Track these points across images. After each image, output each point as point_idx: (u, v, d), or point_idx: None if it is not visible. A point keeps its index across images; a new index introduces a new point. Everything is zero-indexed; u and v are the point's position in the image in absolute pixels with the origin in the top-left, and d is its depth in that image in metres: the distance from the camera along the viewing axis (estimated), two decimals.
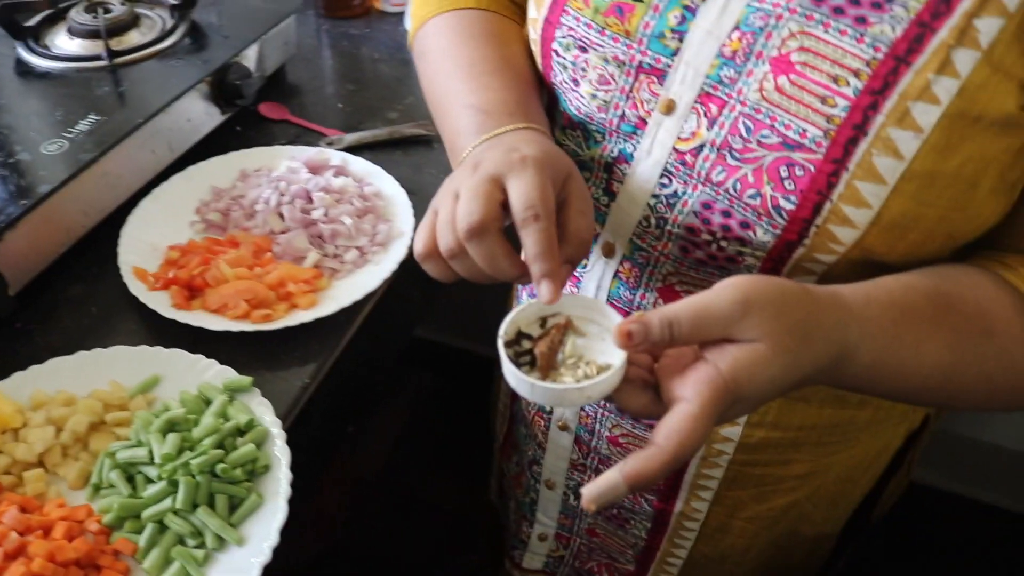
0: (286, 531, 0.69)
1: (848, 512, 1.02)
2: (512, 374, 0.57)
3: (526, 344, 0.60)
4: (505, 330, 0.60)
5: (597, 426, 0.91)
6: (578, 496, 1.01)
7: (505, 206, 0.60)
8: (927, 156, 0.57)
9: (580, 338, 0.61)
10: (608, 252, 0.78)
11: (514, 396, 1.09)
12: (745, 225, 0.65)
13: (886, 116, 0.57)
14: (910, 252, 0.63)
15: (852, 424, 0.84)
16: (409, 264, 0.97)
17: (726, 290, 0.54)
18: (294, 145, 1.11)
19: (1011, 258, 0.64)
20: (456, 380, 2.03)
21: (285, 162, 1.04)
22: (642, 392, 0.57)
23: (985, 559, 1.80)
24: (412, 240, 0.97)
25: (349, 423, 0.99)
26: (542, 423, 0.99)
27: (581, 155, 0.76)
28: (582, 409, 0.92)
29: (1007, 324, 0.62)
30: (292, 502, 0.71)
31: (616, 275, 0.79)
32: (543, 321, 0.62)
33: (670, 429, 0.52)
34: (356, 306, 0.89)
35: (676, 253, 0.72)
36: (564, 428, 0.95)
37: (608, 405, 0.89)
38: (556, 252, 0.58)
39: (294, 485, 0.72)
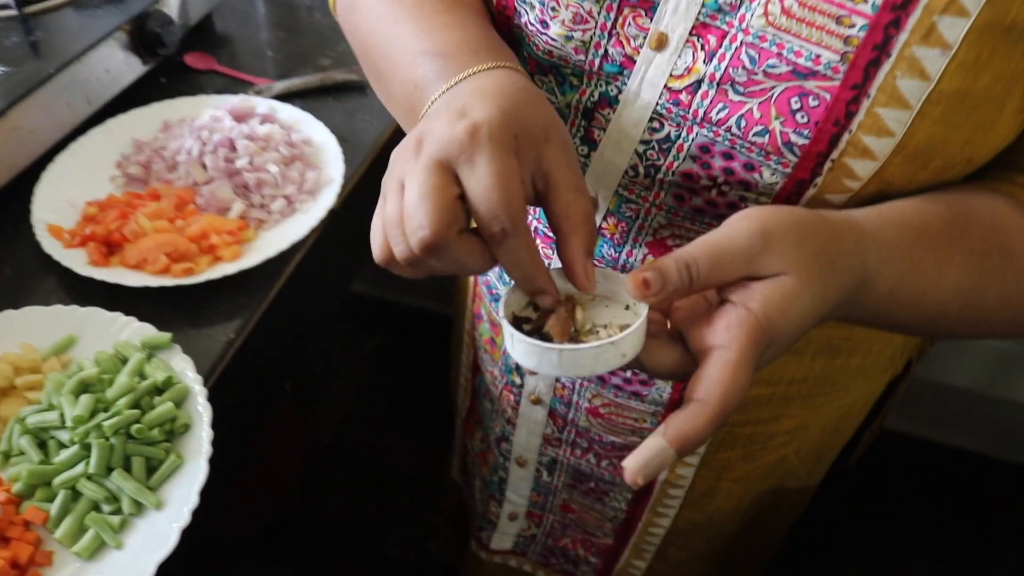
0: (237, 497, 0.65)
1: (831, 463, 1.00)
2: (531, 347, 0.51)
3: (527, 328, 0.54)
4: (503, 313, 0.54)
5: (575, 397, 0.86)
6: (552, 472, 0.98)
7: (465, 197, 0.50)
8: (955, 75, 0.52)
9: (585, 310, 0.56)
10: None
11: (476, 369, 1.04)
12: (750, 167, 0.60)
13: (910, 33, 0.51)
14: (929, 181, 0.58)
15: (843, 373, 0.81)
16: (342, 213, 0.93)
17: (740, 223, 0.50)
18: (220, 95, 1.06)
19: (1021, 177, 0.60)
20: (412, 339, 2.00)
21: (208, 111, 0.98)
22: (671, 346, 0.53)
23: (954, 502, 1.81)
24: (341, 190, 0.92)
25: (286, 381, 0.95)
26: (511, 397, 0.93)
27: (554, 102, 0.67)
28: (558, 380, 0.87)
29: None
30: (236, 464, 0.68)
31: (599, 232, 0.72)
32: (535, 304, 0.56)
33: (711, 380, 0.48)
34: (283, 257, 0.85)
35: (670, 203, 0.66)
36: (537, 402, 0.90)
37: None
38: (540, 266, 0.51)
39: (229, 444, 0.69)
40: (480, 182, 0.48)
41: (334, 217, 0.91)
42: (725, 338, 0.49)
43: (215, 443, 0.68)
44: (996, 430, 1.79)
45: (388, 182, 0.52)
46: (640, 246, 0.70)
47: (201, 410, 0.70)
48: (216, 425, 0.69)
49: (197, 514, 0.64)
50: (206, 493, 0.66)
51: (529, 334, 0.52)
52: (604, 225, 0.71)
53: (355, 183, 0.97)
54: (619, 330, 0.52)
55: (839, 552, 1.74)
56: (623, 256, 0.72)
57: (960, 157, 0.57)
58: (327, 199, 0.90)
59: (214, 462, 0.67)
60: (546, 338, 0.52)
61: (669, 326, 0.54)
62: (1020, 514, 1.80)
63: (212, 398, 0.72)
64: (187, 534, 0.64)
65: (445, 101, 0.54)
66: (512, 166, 0.49)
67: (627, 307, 0.56)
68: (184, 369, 0.73)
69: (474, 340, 1.00)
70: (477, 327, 0.97)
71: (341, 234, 0.93)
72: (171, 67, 1.14)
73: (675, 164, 0.63)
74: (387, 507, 1.81)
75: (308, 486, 1.80)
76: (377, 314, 2.07)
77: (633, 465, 0.48)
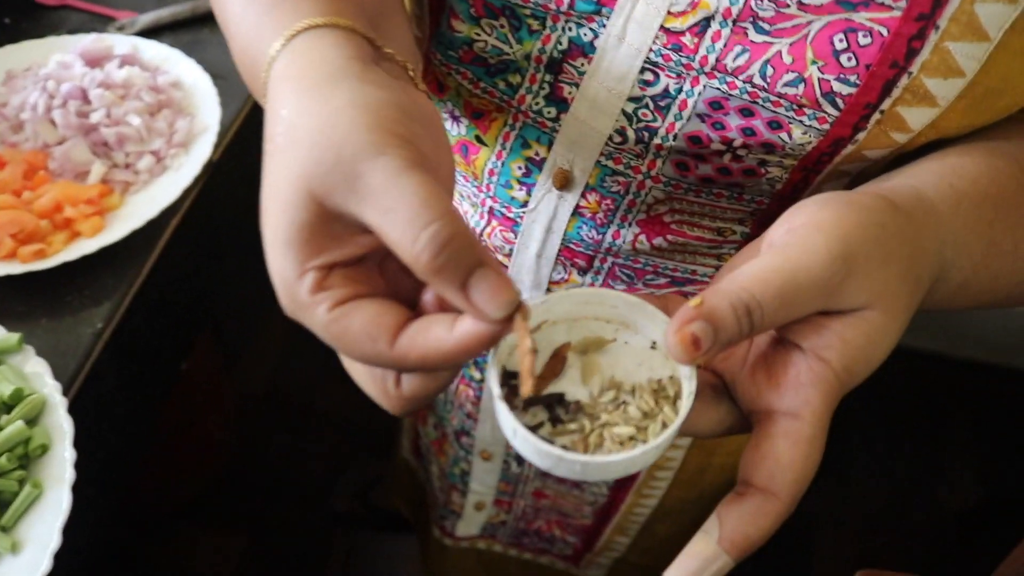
0: (166, 466, 0.56)
1: None
2: (548, 455, 0.39)
3: (521, 401, 0.42)
4: (497, 380, 0.41)
5: None
6: (522, 462, 0.88)
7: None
8: None
9: (596, 353, 0.44)
10: (562, 183, 0.58)
11: None
12: (776, 125, 0.48)
13: None
14: (983, 123, 0.48)
15: None
16: (224, 164, 0.81)
17: (814, 241, 0.38)
18: (75, 35, 0.91)
19: None
20: None
21: (55, 56, 0.84)
22: (715, 402, 0.42)
23: (906, 402, 1.78)
24: (219, 138, 0.80)
25: (182, 360, 0.84)
26: (470, 392, 0.83)
27: (507, 53, 0.53)
28: None
29: None
30: (143, 444, 0.57)
31: (576, 211, 0.60)
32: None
33: (779, 465, 0.37)
34: (156, 225, 0.73)
35: (669, 173, 0.54)
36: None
37: None
38: (504, 277, 0.35)
39: (120, 450, 0.58)
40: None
41: (214, 171, 0.79)
42: (795, 402, 0.38)
43: (105, 441, 0.58)
44: (947, 328, 1.76)
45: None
46: (630, 225, 0.59)
47: (63, 426, 0.58)
48: (99, 422, 0.59)
49: (123, 489, 0.55)
50: (126, 471, 0.56)
51: (535, 428, 0.41)
52: (583, 203, 0.59)
53: (236, 128, 0.84)
54: (651, 394, 0.41)
55: None
56: (608, 238, 0.60)
57: None
58: (202, 151, 0.77)
59: (114, 454, 0.57)
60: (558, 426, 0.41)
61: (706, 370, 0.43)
62: (973, 410, 1.79)
63: (84, 398, 0.61)
64: (116, 507, 0.54)
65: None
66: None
67: (653, 345, 0.44)
68: (40, 375, 0.61)
69: None
70: None
71: (227, 184, 0.81)
72: (17, 4, 0.99)
73: (676, 126, 0.51)
74: (329, 457, 1.72)
75: (244, 442, 1.71)
76: None
77: None
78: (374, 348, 0.36)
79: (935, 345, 1.78)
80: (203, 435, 1.58)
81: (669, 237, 0.59)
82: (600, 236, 0.60)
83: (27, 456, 0.57)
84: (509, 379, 0.42)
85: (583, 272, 0.64)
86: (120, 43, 0.88)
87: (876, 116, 0.46)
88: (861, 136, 0.47)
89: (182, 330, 0.83)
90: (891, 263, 0.39)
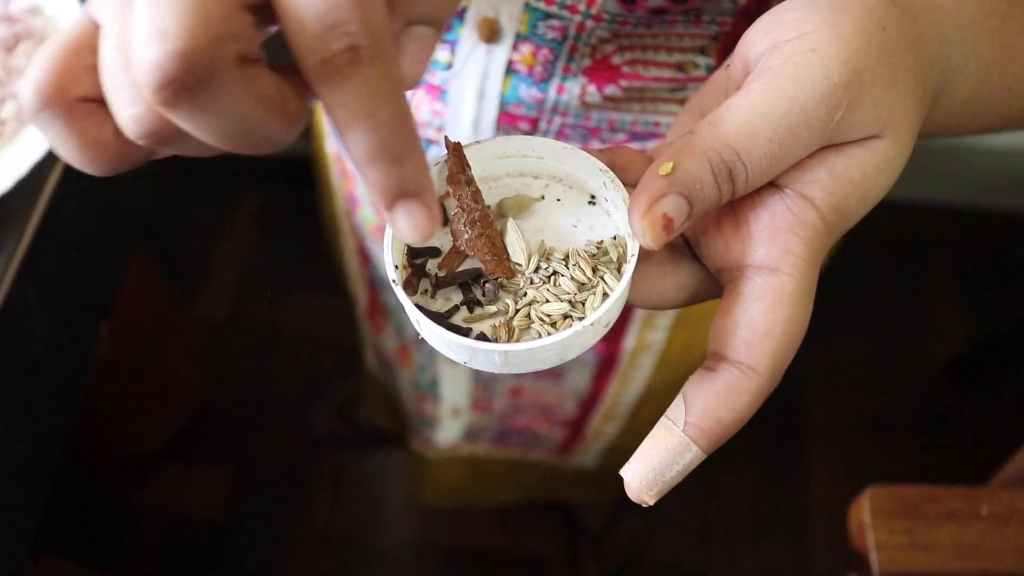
0: (134, 413, 0.50)
1: None
2: (460, 347, 0.32)
3: (433, 268, 0.35)
4: (392, 260, 0.33)
5: None
6: None
7: (258, 8, 0.26)
8: None
9: (519, 217, 0.36)
10: (488, 34, 0.50)
11: (365, 256, 0.84)
12: None
13: None
14: None
15: None
16: None
17: (810, 65, 0.30)
18: None
19: None
20: (298, 187, 1.75)
21: None
22: (674, 265, 0.35)
23: (885, 247, 1.73)
24: None
25: (98, 324, 0.76)
26: None
27: None
28: None
29: None
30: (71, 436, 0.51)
31: (509, 68, 0.52)
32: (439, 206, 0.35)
33: (754, 330, 0.30)
34: (32, 180, 0.63)
35: (613, 9, 0.46)
36: None
37: None
38: (413, 135, 0.27)
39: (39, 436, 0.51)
40: None
41: None
42: (771, 253, 0.31)
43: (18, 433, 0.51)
44: (923, 171, 1.68)
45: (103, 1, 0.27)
46: (575, 76, 0.51)
47: None
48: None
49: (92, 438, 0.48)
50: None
51: (448, 314, 0.34)
52: (516, 56, 0.51)
53: None
54: (588, 260, 0.34)
55: None
56: (551, 94, 0.52)
57: None
58: None
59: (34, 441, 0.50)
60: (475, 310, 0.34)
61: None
62: (954, 255, 1.75)
63: None
64: (90, 454, 0.48)
65: None
66: None
67: (592, 199, 0.36)
68: None
69: (355, 227, 0.80)
70: (356, 212, 0.77)
71: None
72: None
73: None
74: (301, 376, 1.68)
75: (213, 374, 1.65)
76: (257, 166, 1.80)
77: (638, 480, 0.31)
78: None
79: (909, 192, 1.70)
80: (167, 372, 1.53)
81: (622, 83, 0.51)
82: (542, 93, 0.53)
83: None
84: (415, 256, 0.35)
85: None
86: None
87: None
88: None
89: (93, 294, 0.74)
90: (899, 78, 0.31)
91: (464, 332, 0.33)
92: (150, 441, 1.55)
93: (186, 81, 0.23)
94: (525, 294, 0.34)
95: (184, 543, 1.52)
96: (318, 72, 0.25)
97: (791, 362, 0.31)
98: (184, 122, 0.25)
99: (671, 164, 0.30)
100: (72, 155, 0.28)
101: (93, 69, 0.27)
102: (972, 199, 1.72)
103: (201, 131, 0.25)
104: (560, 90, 0.52)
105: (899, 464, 1.53)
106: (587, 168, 0.35)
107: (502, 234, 0.35)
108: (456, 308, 0.34)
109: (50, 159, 0.65)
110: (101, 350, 1.08)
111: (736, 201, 0.32)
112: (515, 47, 0.51)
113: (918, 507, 0.55)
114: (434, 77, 0.55)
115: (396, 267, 0.33)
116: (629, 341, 0.74)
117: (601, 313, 0.32)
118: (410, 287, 0.34)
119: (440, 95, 0.56)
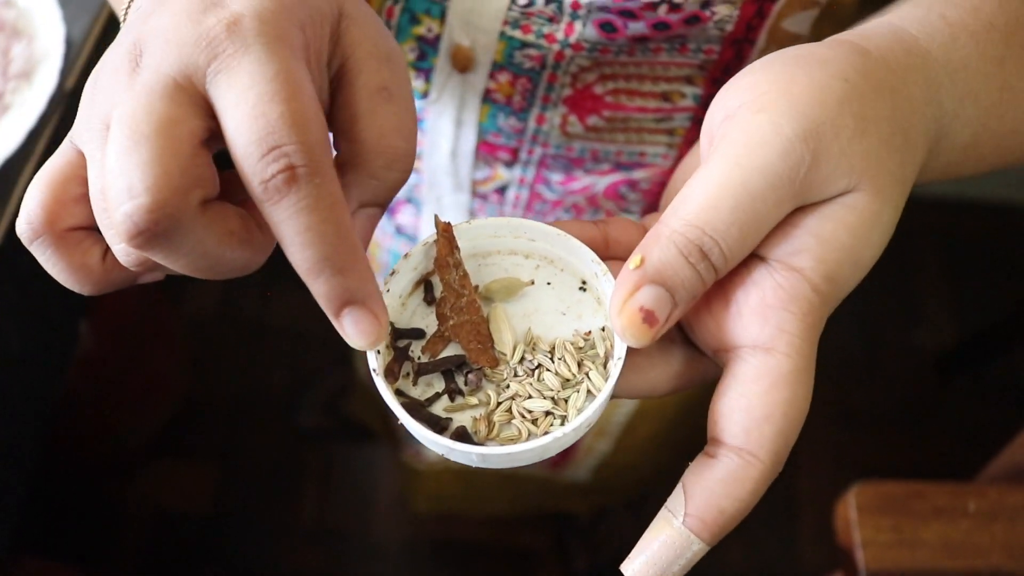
0: (121, 410, 0.49)
1: None
2: (436, 444, 0.31)
3: (417, 351, 0.34)
4: (377, 354, 0.32)
5: None
6: None
7: (215, 139, 0.29)
8: None
9: (506, 300, 0.35)
10: (463, 63, 0.49)
11: None
12: None
13: None
14: None
15: None
16: (80, 90, 0.69)
17: (759, 125, 0.29)
18: None
19: None
20: None
21: None
22: (663, 354, 0.34)
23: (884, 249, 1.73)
24: (66, 62, 0.68)
25: (77, 323, 0.74)
26: None
27: None
28: None
29: None
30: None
31: (487, 97, 0.51)
32: (424, 283, 0.35)
33: (752, 414, 0.29)
34: (4, 177, 0.62)
35: (593, 37, 0.45)
36: None
37: None
38: (354, 246, 0.29)
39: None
40: (249, 95, 0.27)
41: (71, 100, 0.67)
42: (764, 332, 0.30)
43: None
44: None
45: (84, 127, 0.30)
46: (555, 106, 0.50)
47: None
48: None
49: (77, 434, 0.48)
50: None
51: (429, 402, 0.34)
52: (493, 85, 0.50)
53: (92, 47, 0.72)
54: (574, 354, 0.33)
55: None
56: (531, 124, 0.51)
57: None
58: (47, 80, 0.66)
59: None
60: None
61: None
62: (940, 247, 1.75)
63: None
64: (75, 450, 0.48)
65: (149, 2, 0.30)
66: (300, 70, 0.28)
67: (583, 285, 0.35)
68: None
69: None
70: None
71: None
72: None
73: None
74: (292, 372, 1.67)
75: (201, 367, 1.64)
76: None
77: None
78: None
79: None
80: (153, 367, 1.52)
81: (605, 113, 0.50)
82: (521, 123, 0.51)
83: None
84: (398, 338, 0.34)
85: (509, 166, 0.55)
86: None
87: None
88: None
89: (71, 293, 0.73)
90: (869, 127, 0.30)
91: (443, 423, 0.33)
92: (136, 437, 1.54)
93: (154, 230, 0.27)
94: (508, 386, 0.33)
95: (171, 539, 1.52)
96: (260, 194, 0.27)
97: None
98: (159, 260, 0.29)
99: (640, 257, 0.29)
100: (62, 277, 0.32)
101: (81, 199, 0.30)
102: (959, 190, 1.72)
103: (175, 267, 0.29)
104: (540, 120, 0.51)
105: (887, 456, 1.53)
106: (579, 255, 0.34)
107: (488, 320, 0.34)
108: (437, 396, 0.34)
109: (23, 153, 0.64)
110: (83, 347, 1.07)
111: (724, 280, 0.31)
112: (492, 76, 0.49)
113: (905, 504, 0.55)
114: None
115: (378, 352, 0.32)
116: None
117: (583, 419, 0.31)
118: (391, 374, 0.33)
119: (418, 124, 0.55)
